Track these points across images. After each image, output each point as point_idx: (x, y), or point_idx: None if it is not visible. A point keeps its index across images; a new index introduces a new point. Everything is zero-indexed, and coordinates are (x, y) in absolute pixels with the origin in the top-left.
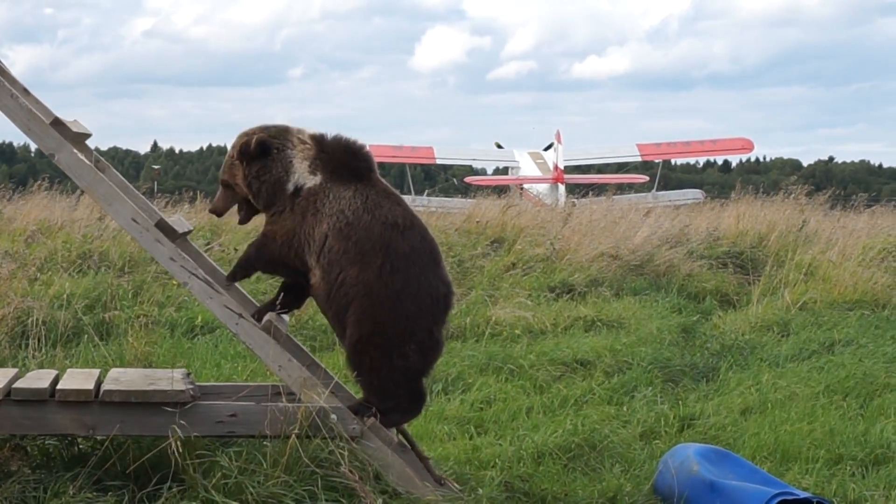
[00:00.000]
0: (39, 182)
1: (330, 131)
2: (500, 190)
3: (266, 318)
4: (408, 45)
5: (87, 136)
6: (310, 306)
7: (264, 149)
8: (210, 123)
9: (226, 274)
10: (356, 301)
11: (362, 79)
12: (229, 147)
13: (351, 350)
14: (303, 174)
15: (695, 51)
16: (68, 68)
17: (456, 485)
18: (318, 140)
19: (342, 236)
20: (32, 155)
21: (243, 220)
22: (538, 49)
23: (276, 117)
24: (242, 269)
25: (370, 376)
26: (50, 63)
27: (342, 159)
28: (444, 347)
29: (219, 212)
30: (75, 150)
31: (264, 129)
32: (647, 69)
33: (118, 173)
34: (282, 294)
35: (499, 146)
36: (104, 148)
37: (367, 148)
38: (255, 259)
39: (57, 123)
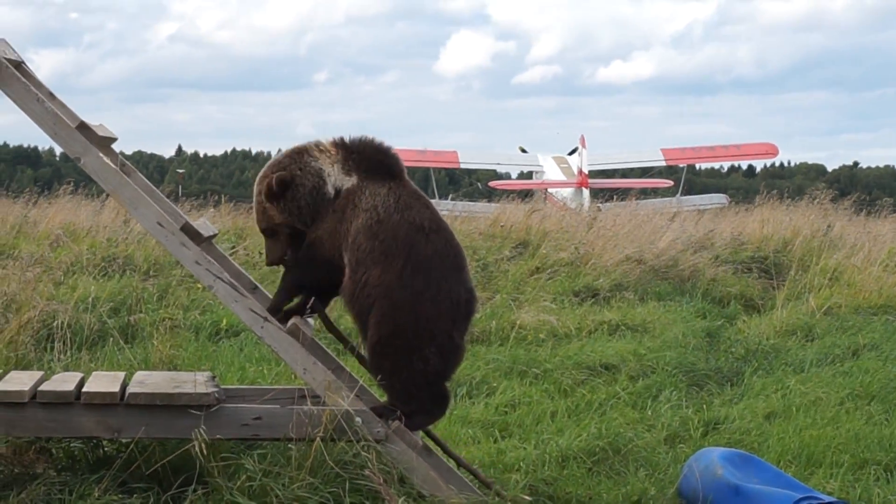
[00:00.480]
0: (64, 186)
1: (349, 134)
2: (525, 194)
3: (291, 321)
4: (432, 50)
5: (113, 140)
6: (334, 309)
7: (286, 185)
8: (234, 128)
9: (251, 277)
10: (377, 302)
11: (387, 83)
12: (254, 192)
13: (371, 352)
14: (338, 177)
15: (719, 55)
16: (93, 73)
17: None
18: (341, 144)
19: (371, 234)
20: (57, 159)
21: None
22: (563, 54)
23: (301, 122)
24: (286, 292)
25: (391, 379)
26: (75, 67)
27: (374, 158)
28: (464, 353)
29: (276, 261)
30: (101, 154)
31: (277, 164)
32: (672, 74)
33: (143, 177)
34: (307, 298)
35: (523, 150)
36: (129, 152)
37: (393, 150)
38: (301, 275)
39: (83, 127)
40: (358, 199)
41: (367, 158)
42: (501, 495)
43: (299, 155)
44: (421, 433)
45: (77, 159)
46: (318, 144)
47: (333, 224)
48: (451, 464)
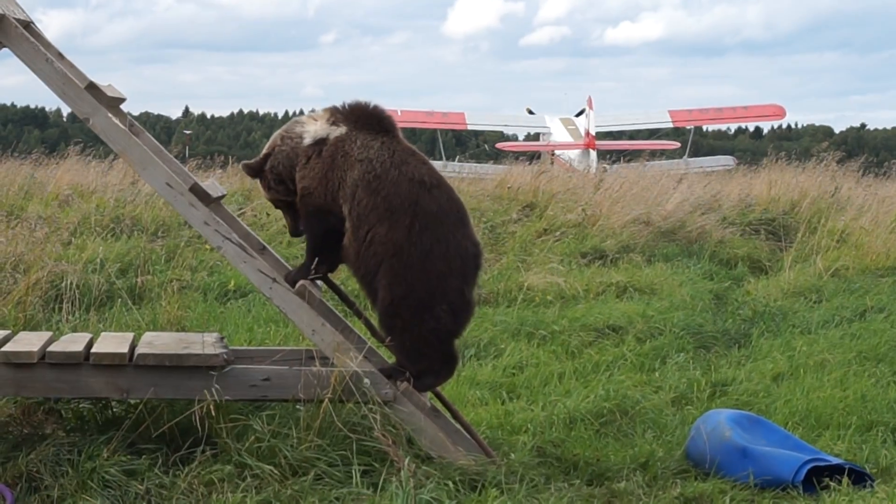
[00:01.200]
0: (72, 146)
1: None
2: (532, 156)
3: (300, 282)
4: (440, 11)
5: (122, 100)
6: (341, 271)
7: (257, 164)
8: (241, 89)
9: (259, 238)
10: (386, 262)
11: (394, 44)
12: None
13: (383, 313)
14: (321, 128)
15: (728, 17)
16: (101, 33)
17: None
18: (332, 108)
19: (371, 190)
20: (65, 119)
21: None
22: (571, 15)
23: (307, 83)
24: (309, 262)
25: (402, 339)
26: (83, 28)
27: (365, 112)
28: (475, 308)
29: (293, 233)
30: (110, 115)
31: (270, 141)
32: (681, 35)
33: (152, 138)
34: (316, 260)
35: (530, 112)
36: (136, 113)
37: (388, 113)
38: (310, 236)
39: (92, 88)
40: (349, 147)
41: (357, 113)
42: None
43: (290, 125)
44: (430, 395)
45: (86, 119)
46: (312, 112)
47: (322, 171)
48: (459, 425)
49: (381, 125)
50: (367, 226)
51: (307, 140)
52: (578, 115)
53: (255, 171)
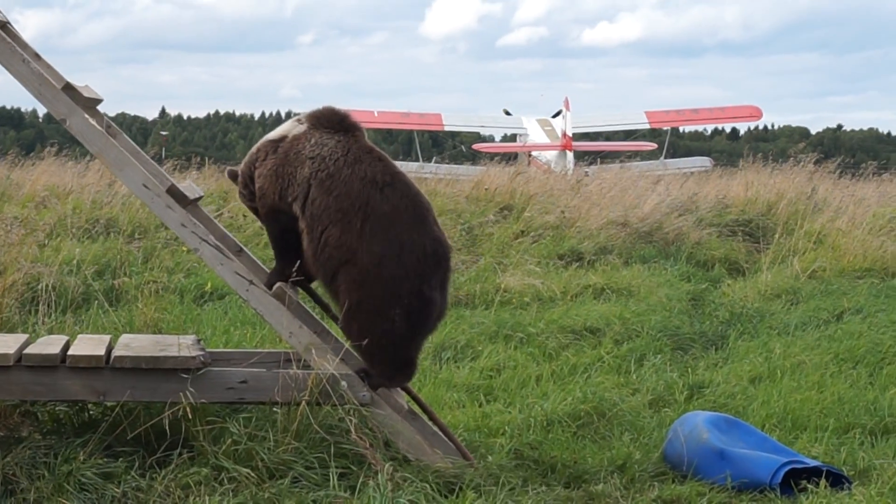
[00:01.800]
0: (48, 147)
1: None
2: (509, 157)
3: (277, 285)
4: (418, 12)
5: (99, 101)
6: None
7: (233, 176)
8: (219, 90)
9: (237, 240)
10: (343, 268)
11: (372, 45)
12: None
13: (343, 317)
14: (286, 127)
15: (706, 17)
16: (78, 34)
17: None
18: (311, 111)
19: (323, 189)
20: (41, 120)
21: None
22: (549, 15)
23: (285, 84)
24: (279, 260)
25: (359, 339)
26: (60, 28)
27: (328, 113)
28: (441, 304)
29: None
30: (87, 116)
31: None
32: (658, 36)
33: (129, 139)
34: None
35: (507, 113)
36: (112, 114)
37: (356, 119)
38: (271, 237)
39: (68, 88)
40: (302, 144)
41: (322, 113)
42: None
43: (272, 133)
44: (406, 397)
45: (62, 121)
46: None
47: (274, 167)
48: (437, 428)
49: (341, 124)
50: (321, 227)
51: (273, 134)
52: (555, 116)
53: (233, 177)
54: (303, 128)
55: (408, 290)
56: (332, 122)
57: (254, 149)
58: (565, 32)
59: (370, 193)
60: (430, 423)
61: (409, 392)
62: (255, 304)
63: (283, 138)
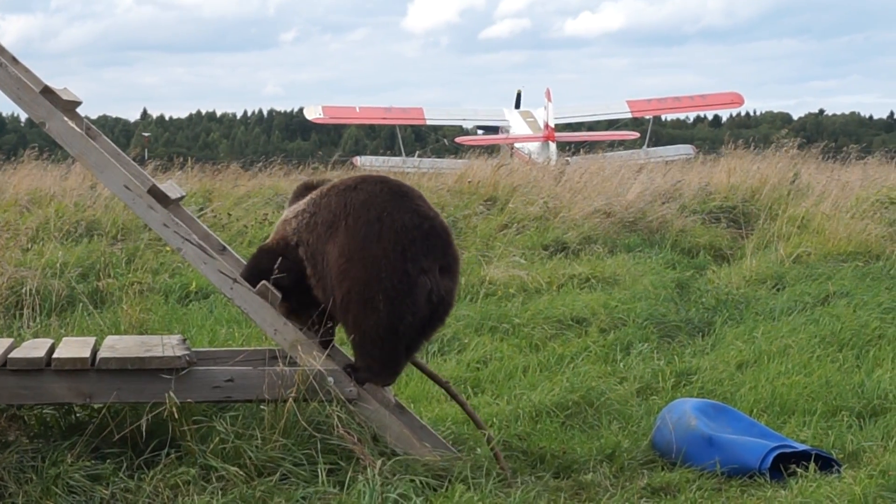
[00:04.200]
0: (29, 151)
1: None
2: (492, 150)
3: (261, 283)
4: (400, 7)
5: (78, 103)
6: None
7: None
8: (202, 90)
9: (220, 238)
10: (336, 265)
11: (354, 41)
12: None
13: (339, 311)
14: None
15: (688, 5)
16: (60, 37)
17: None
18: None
19: (309, 228)
20: (22, 125)
21: None
22: (531, 7)
23: (268, 82)
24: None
25: (353, 332)
26: (41, 32)
27: (297, 189)
28: (436, 287)
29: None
30: (66, 119)
31: None
32: (641, 25)
33: (109, 141)
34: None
35: (518, 101)
36: (94, 116)
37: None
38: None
39: (47, 92)
40: (291, 238)
41: (293, 193)
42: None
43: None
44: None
45: (42, 124)
46: None
47: (275, 237)
48: (425, 421)
49: (308, 188)
50: (320, 255)
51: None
52: (517, 105)
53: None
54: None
55: (387, 269)
56: (300, 193)
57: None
58: (548, 23)
59: (346, 196)
60: (418, 415)
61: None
62: (240, 302)
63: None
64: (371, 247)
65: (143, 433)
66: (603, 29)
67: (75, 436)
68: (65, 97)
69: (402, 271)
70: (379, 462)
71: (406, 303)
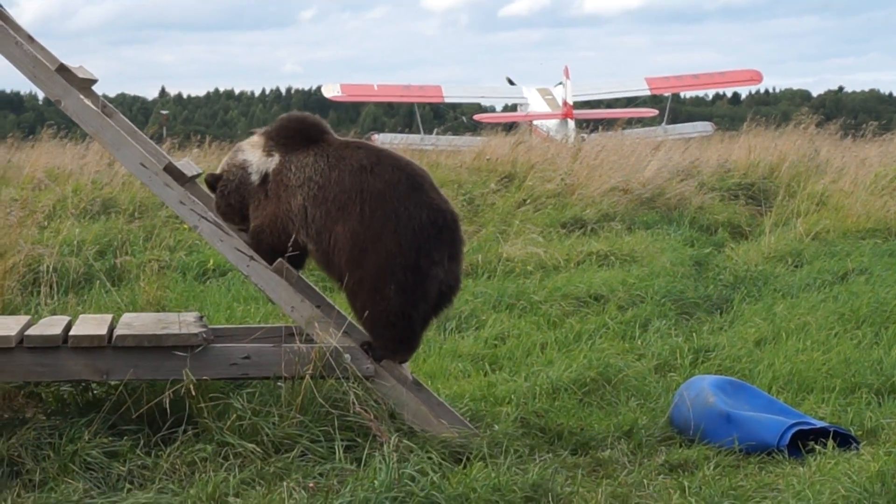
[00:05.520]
0: (47, 129)
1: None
2: (510, 127)
3: (278, 259)
4: None
5: (94, 81)
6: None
7: (210, 184)
8: (220, 68)
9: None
10: (347, 252)
11: (374, 19)
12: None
13: (348, 294)
14: (260, 162)
15: None
16: (78, 16)
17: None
18: (264, 131)
19: (318, 202)
20: (40, 103)
21: None
22: None
23: (287, 61)
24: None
25: (362, 316)
26: (60, 11)
27: (290, 130)
28: (445, 276)
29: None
30: (82, 97)
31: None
32: (660, 2)
33: (125, 118)
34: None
35: (511, 82)
36: (112, 95)
37: (314, 116)
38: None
39: (62, 70)
40: (286, 177)
41: (284, 133)
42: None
43: (233, 153)
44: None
45: (58, 102)
46: (249, 137)
47: (273, 210)
48: (443, 398)
49: (309, 137)
50: (327, 232)
51: (255, 178)
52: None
53: (210, 188)
54: (276, 159)
55: (401, 266)
56: (299, 140)
57: (229, 175)
58: (567, 1)
59: (361, 179)
60: (435, 392)
61: None
62: (257, 280)
63: (266, 177)
64: (386, 240)
65: (167, 410)
66: (622, 7)
67: (92, 413)
68: (80, 75)
69: (416, 266)
70: (395, 438)
71: (417, 293)
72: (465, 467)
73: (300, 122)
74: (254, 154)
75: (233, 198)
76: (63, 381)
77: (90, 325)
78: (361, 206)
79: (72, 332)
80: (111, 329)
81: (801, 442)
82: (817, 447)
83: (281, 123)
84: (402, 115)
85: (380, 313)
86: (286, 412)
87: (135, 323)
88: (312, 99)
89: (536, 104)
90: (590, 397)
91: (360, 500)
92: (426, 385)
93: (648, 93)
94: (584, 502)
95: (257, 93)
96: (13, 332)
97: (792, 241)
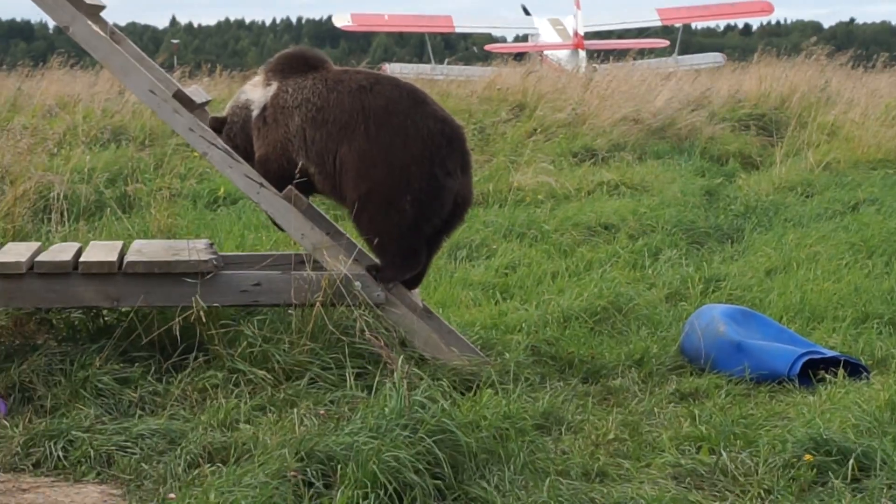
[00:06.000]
0: (58, 58)
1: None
2: (520, 57)
3: (287, 187)
4: None
5: (102, 7)
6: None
7: (216, 127)
8: None
9: None
10: (355, 170)
11: None
12: None
13: (352, 208)
14: (260, 95)
15: None
16: None
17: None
18: (264, 66)
19: (317, 124)
20: (50, 32)
21: None
22: None
23: None
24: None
25: (369, 233)
26: None
27: (291, 59)
28: (458, 188)
29: None
30: (90, 23)
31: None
32: None
33: (134, 45)
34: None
35: (526, 12)
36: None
37: (317, 50)
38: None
39: None
40: (283, 99)
41: (284, 63)
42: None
43: (237, 95)
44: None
45: (65, 28)
46: (254, 77)
47: (271, 135)
48: (453, 326)
49: (308, 64)
50: (331, 154)
51: (255, 112)
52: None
53: (216, 131)
54: (274, 86)
55: (417, 175)
56: (298, 67)
57: (233, 117)
58: None
59: (362, 98)
60: (445, 320)
61: None
62: (266, 207)
63: (264, 107)
64: (397, 153)
65: (177, 337)
66: None
67: (103, 339)
68: (88, 1)
69: (431, 175)
70: (405, 366)
71: (434, 205)
72: (475, 395)
73: (299, 52)
74: (255, 91)
75: (238, 138)
76: (74, 308)
77: (101, 251)
78: (366, 124)
79: (82, 259)
80: (121, 256)
81: (812, 371)
82: (828, 376)
83: (280, 56)
84: (412, 45)
85: (391, 227)
86: (296, 339)
87: (145, 250)
88: (323, 28)
89: (547, 34)
90: (600, 326)
91: (370, 427)
92: (437, 313)
93: (659, 23)
94: (594, 430)
95: (268, 22)
96: (23, 259)
97: (802, 172)
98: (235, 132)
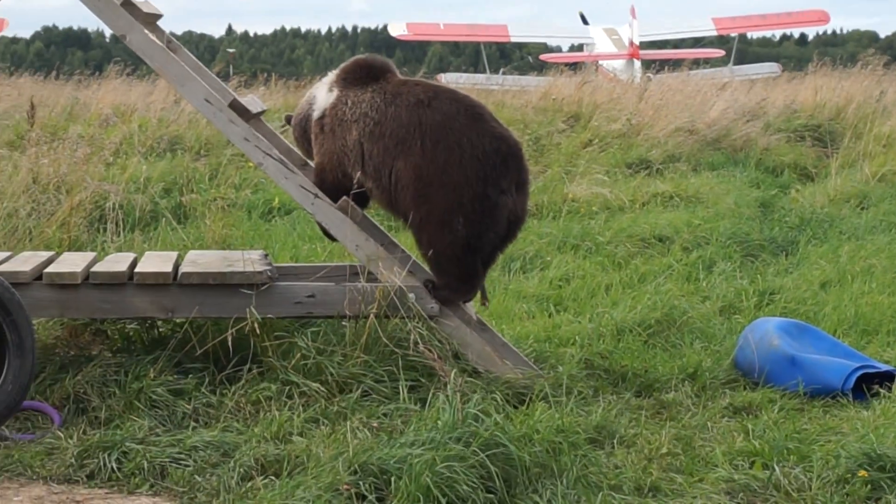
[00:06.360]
0: (115, 67)
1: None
2: (575, 67)
3: (342, 198)
4: None
5: (159, 16)
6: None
7: (288, 117)
8: (286, 6)
9: (301, 154)
10: (410, 187)
11: None
12: None
13: (414, 230)
14: (322, 98)
15: None
16: None
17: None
18: (339, 68)
19: (375, 138)
20: (107, 40)
21: None
22: None
23: None
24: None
25: (428, 250)
26: None
27: (355, 69)
28: (513, 206)
29: None
30: (146, 31)
31: None
32: None
33: (191, 54)
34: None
35: (583, 20)
36: (178, 32)
37: (383, 57)
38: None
39: (127, 4)
40: (342, 111)
41: (348, 72)
42: None
43: (313, 88)
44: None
45: (122, 37)
46: (328, 74)
47: (330, 146)
48: (507, 339)
49: (370, 75)
50: (388, 169)
51: (316, 113)
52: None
53: (287, 122)
54: (335, 94)
55: (470, 197)
56: (360, 77)
57: (300, 109)
58: None
59: (419, 113)
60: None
61: None
62: (321, 217)
63: (324, 113)
64: (452, 173)
65: (231, 348)
66: None
67: (158, 350)
68: (145, 10)
69: (483, 196)
70: (458, 378)
71: (486, 223)
72: (528, 408)
73: (366, 61)
74: (321, 91)
75: (297, 130)
76: (128, 319)
77: (156, 262)
78: (422, 139)
79: (137, 269)
80: (176, 266)
81: (866, 385)
82: (882, 391)
83: (350, 62)
84: (468, 54)
85: (446, 247)
86: (350, 351)
87: (200, 260)
88: (379, 37)
89: (602, 44)
90: (654, 339)
91: (423, 440)
92: (490, 326)
93: (715, 33)
94: (647, 444)
95: (324, 31)
96: (79, 269)
97: (858, 183)
98: (296, 123)
